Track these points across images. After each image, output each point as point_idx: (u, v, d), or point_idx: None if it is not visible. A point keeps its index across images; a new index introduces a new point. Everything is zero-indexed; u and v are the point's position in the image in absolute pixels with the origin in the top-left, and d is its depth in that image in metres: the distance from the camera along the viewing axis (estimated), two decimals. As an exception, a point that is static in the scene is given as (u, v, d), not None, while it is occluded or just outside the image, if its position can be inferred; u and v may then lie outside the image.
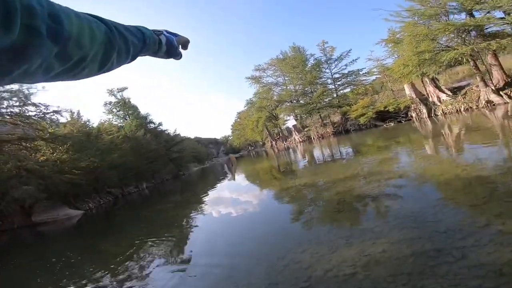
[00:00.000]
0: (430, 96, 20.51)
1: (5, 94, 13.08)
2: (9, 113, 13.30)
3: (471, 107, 17.18)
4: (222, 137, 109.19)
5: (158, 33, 0.60)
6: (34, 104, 13.60)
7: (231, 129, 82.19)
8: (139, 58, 0.56)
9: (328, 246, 2.99)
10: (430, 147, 8.39)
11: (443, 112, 18.96)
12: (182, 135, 46.26)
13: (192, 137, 79.12)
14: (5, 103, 13.30)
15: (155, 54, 0.60)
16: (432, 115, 19.72)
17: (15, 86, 13.36)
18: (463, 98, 18.21)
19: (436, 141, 9.35)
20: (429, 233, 2.74)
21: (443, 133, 10.86)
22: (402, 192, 4.43)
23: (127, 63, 0.51)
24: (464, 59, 16.32)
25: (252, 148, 71.97)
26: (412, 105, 21.50)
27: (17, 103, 13.37)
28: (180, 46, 0.67)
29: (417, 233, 2.80)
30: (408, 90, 21.98)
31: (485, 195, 3.31)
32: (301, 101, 36.96)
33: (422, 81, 20.73)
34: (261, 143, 60.26)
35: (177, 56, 0.67)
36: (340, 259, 2.67)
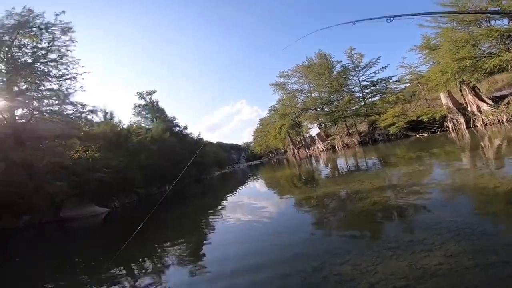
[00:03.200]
0: (469, 106, 19.07)
1: (46, 93, 14.02)
2: (49, 111, 14.17)
3: (515, 118, 15.75)
4: (243, 143, 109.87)
5: None
6: (72, 103, 14.37)
7: (253, 135, 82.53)
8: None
9: (371, 258, 2.68)
10: (472, 159, 7.67)
11: (483, 123, 17.53)
12: (205, 139, 47.05)
13: (215, 141, 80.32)
14: (45, 101, 14.23)
15: None
16: (471, 126, 18.30)
17: (55, 86, 14.32)
18: (505, 108, 16.75)
19: (478, 153, 8.57)
20: (492, 245, 2.45)
21: (484, 145, 9.97)
22: (448, 204, 4.01)
23: None
24: (509, 66, 15.09)
25: (273, 155, 71.45)
26: (448, 115, 20.09)
27: (57, 102, 14.21)
28: None
29: (478, 245, 2.49)
30: (444, 99, 20.57)
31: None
32: (326, 109, 36.16)
33: (460, 90, 19.39)
34: (282, 150, 59.72)
35: None
36: (388, 272, 2.35)
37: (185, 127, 36.45)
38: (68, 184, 13.19)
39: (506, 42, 15.36)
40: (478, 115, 18.27)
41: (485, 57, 15.62)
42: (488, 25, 15.92)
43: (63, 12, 13.75)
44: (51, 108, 14.41)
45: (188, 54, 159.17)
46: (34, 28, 13.45)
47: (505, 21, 15.68)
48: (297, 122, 42.05)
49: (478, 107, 18.40)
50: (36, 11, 13.39)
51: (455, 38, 15.92)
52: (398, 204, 4.52)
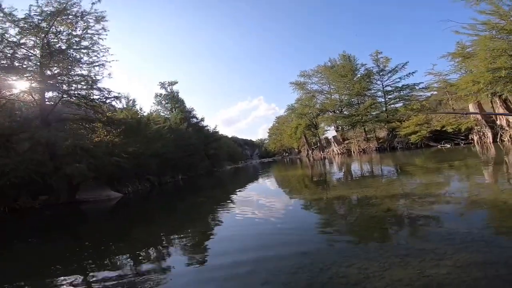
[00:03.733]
0: (498, 119, 18.12)
1: (75, 78, 14.69)
2: (77, 95, 14.82)
3: (546, 135, 14.81)
4: (258, 139, 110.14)
5: None
6: (99, 89, 14.93)
7: (268, 132, 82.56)
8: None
9: (379, 263, 2.66)
10: (493, 174, 7.33)
11: (511, 138, 16.63)
12: (220, 132, 47.43)
13: (230, 135, 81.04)
14: (74, 86, 14.91)
15: None
16: (498, 140, 17.40)
17: (85, 72, 14.96)
18: (538, 124, 15.79)
19: (501, 169, 8.24)
20: (504, 258, 2.42)
21: (509, 161, 9.53)
22: (464, 216, 3.93)
23: None
24: None
25: (287, 154, 71.17)
26: (475, 127, 19.17)
27: (85, 87, 14.83)
28: None
29: (489, 258, 2.46)
30: (473, 110, 19.61)
31: None
32: (345, 112, 35.49)
33: (491, 102, 18.41)
34: (296, 150, 59.35)
35: None
36: (394, 278, 2.33)
37: (202, 119, 36.95)
38: (86, 167, 13.30)
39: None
40: (507, 130, 17.34)
41: (522, 68, 14.67)
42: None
43: (99, 1, 14.29)
44: (79, 92, 14.99)
45: (210, 50, 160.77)
46: (71, 16, 14.05)
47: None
48: (314, 123, 41.59)
49: (508, 121, 17.44)
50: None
51: (493, 47, 15.14)
52: (412, 212, 4.41)
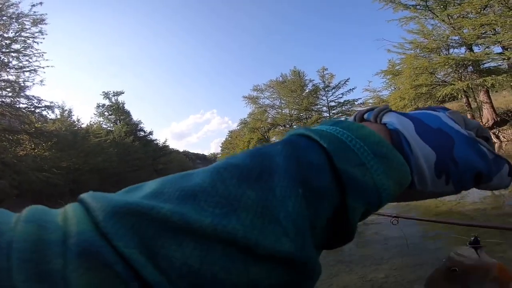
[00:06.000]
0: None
1: (1, 83, 12.85)
2: (0, 102, 12.92)
3: (458, 147, 17.61)
4: (210, 154, 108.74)
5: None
6: (27, 97, 13.31)
7: (221, 147, 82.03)
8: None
9: (328, 271, 2.83)
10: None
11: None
12: (171, 146, 45.61)
13: (181, 150, 78.45)
14: (-1, 92, 13.03)
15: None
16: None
17: (12, 77, 13.23)
18: (451, 137, 18.70)
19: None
20: (431, 260, 2.71)
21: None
22: (396, 222, 4.39)
23: None
24: (459, 95, 16.09)
25: (240, 168, 71.33)
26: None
27: (10, 94, 13.05)
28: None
29: (419, 260, 2.77)
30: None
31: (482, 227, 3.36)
32: (294, 127, 37.36)
33: (413, 117, 21.24)
34: (249, 164, 59.85)
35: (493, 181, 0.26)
36: (342, 284, 2.53)
37: (151, 133, 35.11)
38: (8, 183, 11.88)
39: (460, 71, 16.05)
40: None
41: (439, 85, 16.63)
42: (447, 53, 16.49)
43: (41, 3, 12.95)
44: (3, 100, 13.17)
45: (163, 61, 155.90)
46: (5, 18, 12.47)
47: (462, 49, 16.30)
48: (266, 137, 42.78)
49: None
50: (12, 0, 12.50)
51: (416, 65, 16.50)
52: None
